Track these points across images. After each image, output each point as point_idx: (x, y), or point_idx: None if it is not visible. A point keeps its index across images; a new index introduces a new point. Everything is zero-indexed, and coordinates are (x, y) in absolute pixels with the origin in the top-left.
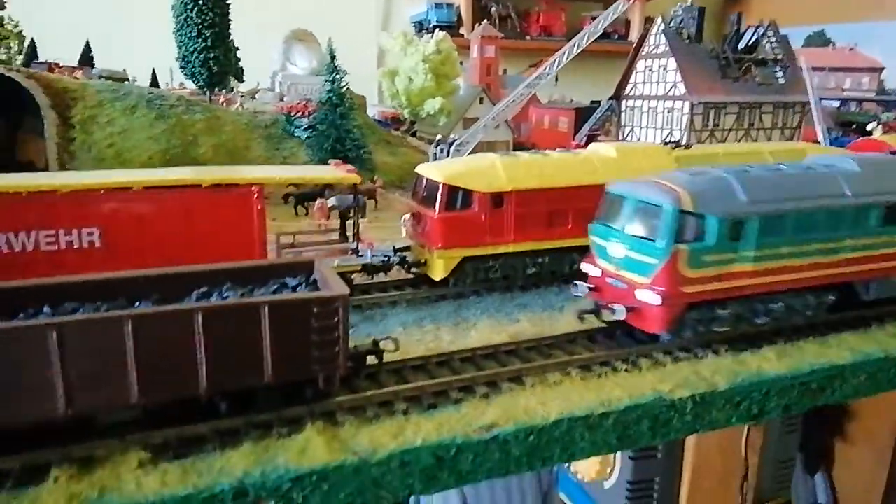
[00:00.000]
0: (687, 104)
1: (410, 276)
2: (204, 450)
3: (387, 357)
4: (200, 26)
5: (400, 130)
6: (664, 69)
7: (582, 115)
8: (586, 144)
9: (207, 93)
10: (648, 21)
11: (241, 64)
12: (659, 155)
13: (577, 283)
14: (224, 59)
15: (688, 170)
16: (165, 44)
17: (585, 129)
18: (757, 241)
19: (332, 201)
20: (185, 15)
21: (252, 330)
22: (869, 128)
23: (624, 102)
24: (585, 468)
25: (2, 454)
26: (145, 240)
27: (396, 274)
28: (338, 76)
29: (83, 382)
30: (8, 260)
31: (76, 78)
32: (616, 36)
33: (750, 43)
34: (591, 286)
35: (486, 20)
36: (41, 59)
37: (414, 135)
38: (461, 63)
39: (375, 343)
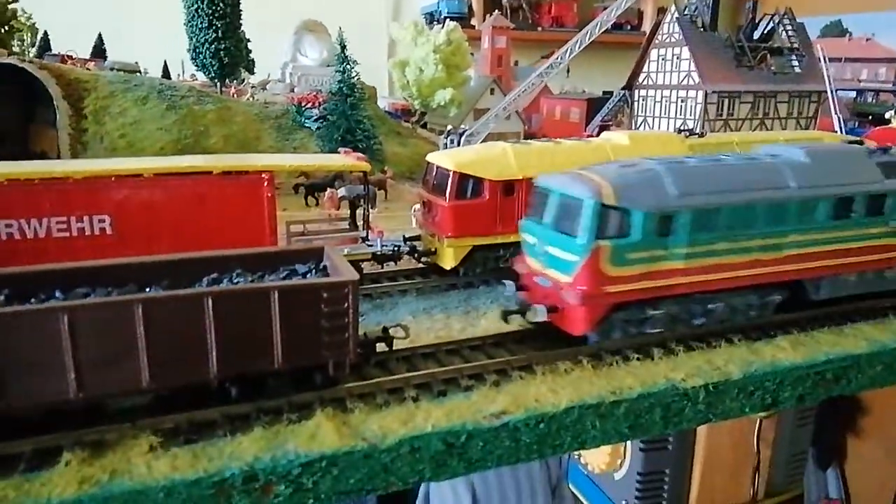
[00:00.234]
0: (701, 93)
1: (420, 265)
2: (214, 435)
3: (397, 345)
4: (211, 17)
5: (410, 121)
6: (678, 58)
7: (594, 105)
8: (598, 134)
9: (218, 84)
10: (661, 11)
11: (251, 55)
12: (672, 143)
13: (506, 282)
14: (235, 50)
15: (619, 161)
16: (176, 35)
17: (597, 119)
18: (689, 236)
19: (342, 191)
20: (196, 6)
21: (262, 315)
22: (887, 116)
23: (637, 92)
24: (595, 460)
25: (14, 438)
26: (156, 227)
27: (406, 263)
28: (348, 67)
29: (94, 366)
30: (20, 247)
31: (88, 69)
32: (629, 27)
33: (765, 31)
34: (521, 285)
35: (497, 11)
36: (54, 51)
37: (424, 126)
38: (472, 54)
39: (385, 330)
